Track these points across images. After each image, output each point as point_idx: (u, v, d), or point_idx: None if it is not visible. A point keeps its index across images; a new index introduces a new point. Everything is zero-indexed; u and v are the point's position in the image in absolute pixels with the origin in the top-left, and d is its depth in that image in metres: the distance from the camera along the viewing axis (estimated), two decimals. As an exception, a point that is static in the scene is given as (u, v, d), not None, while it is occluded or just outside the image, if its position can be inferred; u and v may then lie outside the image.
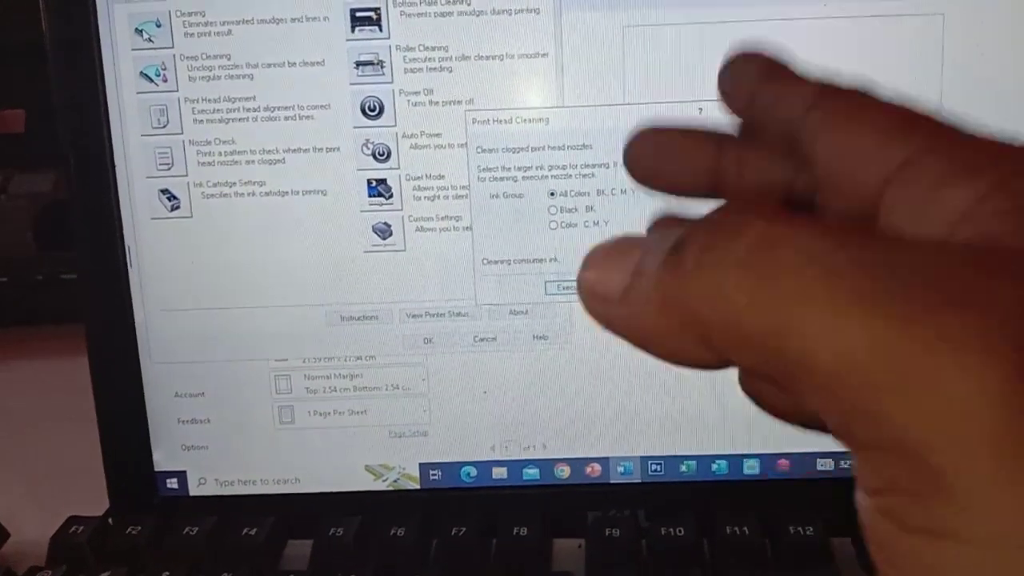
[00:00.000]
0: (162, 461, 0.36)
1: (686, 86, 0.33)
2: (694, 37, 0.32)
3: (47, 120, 0.76)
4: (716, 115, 0.17)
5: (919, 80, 0.32)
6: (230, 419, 0.36)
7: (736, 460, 0.35)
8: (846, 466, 0.35)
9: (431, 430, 0.36)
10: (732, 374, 0.33)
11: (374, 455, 0.36)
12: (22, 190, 0.69)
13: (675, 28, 0.32)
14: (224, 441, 0.36)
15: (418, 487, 0.36)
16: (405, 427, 0.36)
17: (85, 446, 0.42)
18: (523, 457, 0.36)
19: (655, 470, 0.36)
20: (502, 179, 0.34)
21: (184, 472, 0.36)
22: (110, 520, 0.36)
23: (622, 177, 0.32)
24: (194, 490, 0.36)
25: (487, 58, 0.33)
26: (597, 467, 0.36)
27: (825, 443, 0.35)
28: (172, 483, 0.36)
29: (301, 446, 0.36)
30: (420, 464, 0.36)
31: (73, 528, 0.35)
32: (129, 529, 0.34)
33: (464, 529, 0.33)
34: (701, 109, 0.33)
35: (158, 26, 0.33)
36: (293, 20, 0.33)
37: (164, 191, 0.34)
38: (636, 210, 0.33)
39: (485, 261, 0.34)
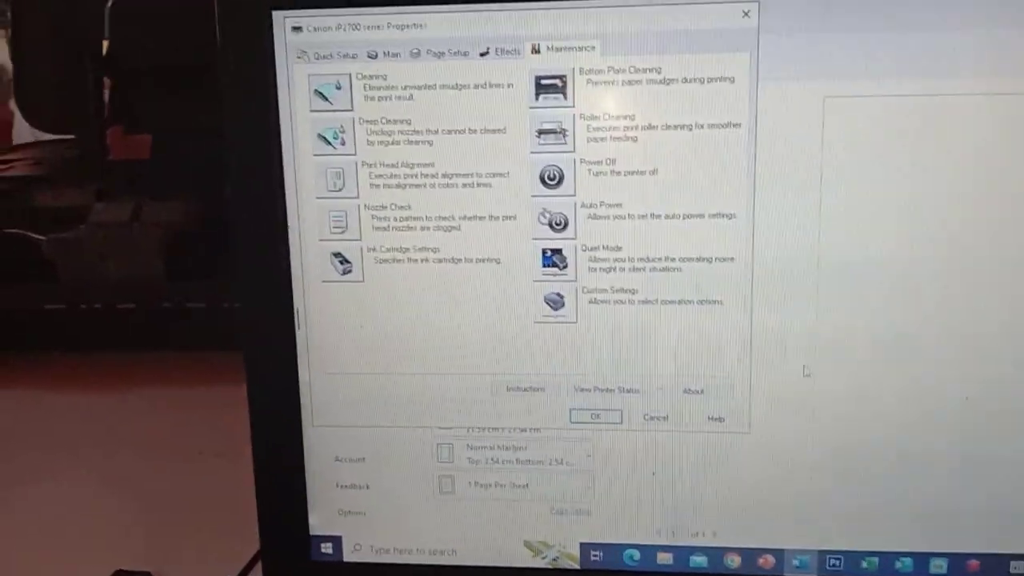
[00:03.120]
0: (318, 525, 0.36)
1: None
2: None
3: (174, 147, 0.78)
4: None
5: None
6: (389, 486, 0.35)
7: (922, 558, 0.33)
8: (1045, 571, 0.33)
9: (595, 509, 0.34)
10: (923, 466, 0.31)
11: (534, 531, 0.35)
12: (152, 219, 0.71)
13: (877, 100, 0.30)
14: (382, 508, 0.35)
15: (578, 567, 0.35)
16: (568, 504, 0.34)
17: (221, 482, 0.42)
18: (691, 543, 0.34)
19: (834, 565, 0.33)
20: (680, 251, 0.32)
21: (340, 537, 0.36)
22: (265, 582, 0.36)
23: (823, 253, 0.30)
24: (348, 556, 0.36)
25: (674, 127, 0.31)
26: (771, 559, 0.34)
27: (1020, 544, 0.32)
28: (327, 548, 0.36)
29: (460, 517, 0.35)
30: (581, 543, 0.35)
31: (229, 590, 0.34)
32: (287, 595, 0.34)
33: (633, 619, 0.32)
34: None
35: (338, 88, 0.33)
36: (476, 87, 0.32)
37: (336, 254, 0.34)
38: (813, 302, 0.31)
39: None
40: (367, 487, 0.35)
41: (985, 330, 0.31)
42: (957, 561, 0.33)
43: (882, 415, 0.32)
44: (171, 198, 0.72)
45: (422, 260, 0.33)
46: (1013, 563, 0.33)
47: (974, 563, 0.33)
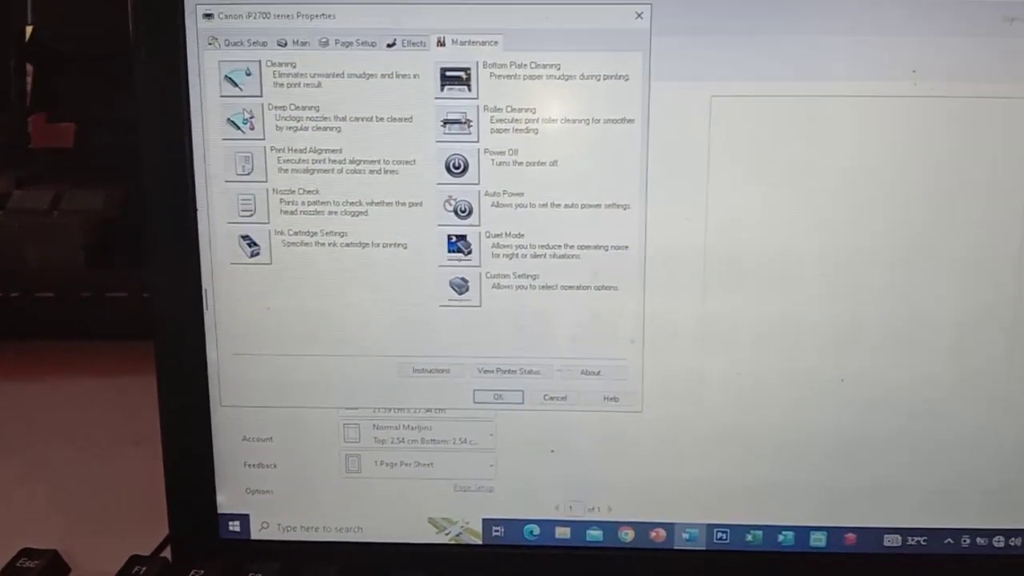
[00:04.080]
0: (226, 503, 0.36)
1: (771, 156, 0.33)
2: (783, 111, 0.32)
3: (97, 135, 0.77)
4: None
5: (1012, 166, 0.32)
6: (297, 465, 0.36)
7: (803, 532, 0.35)
8: (913, 542, 0.35)
9: (496, 486, 0.36)
10: (804, 445, 0.33)
11: (438, 508, 0.36)
12: (73, 206, 0.70)
13: (760, 100, 0.32)
14: (289, 487, 0.36)
15: (480, 542, 0.36)
16: (471, 481, 0.36)
17: (137, 470, 0.42)
18: (587, 518, 0.36)
19: (720, 538, 0.35)
20: (580, 239, 0.34)
21: (247, 516, 0.36)
22: (172, 561, 0.36)
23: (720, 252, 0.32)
24: (256, 534, 0.37)
25: (572, 121, 0.33)
26: (662, 532, 0.35)
27: (893, 519, 0.35)
28: (234, 526, 0.37)
29: (366, 496, 0.36)
30: (484, 519, 0.36)
31: (136, 569, 0.35)
32: (192, 573, 0.35)
33: (529, 590, 0.33)
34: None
35: (248, 75, 0.33)
36: (383, 76, 0.33)
37: (245, 237, 0.34)
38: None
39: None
40: (274, 466, 0.36)
41: (858, 317, 0.33)
42: (835, 534, 0.35)
43: (766, 397, 0.34)
44: (93, 187, 0.71)
45: (330, 244, 0.34)
46: (887, 536, 0.35)
47: (851, 536, 0.35)
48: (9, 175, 0.73)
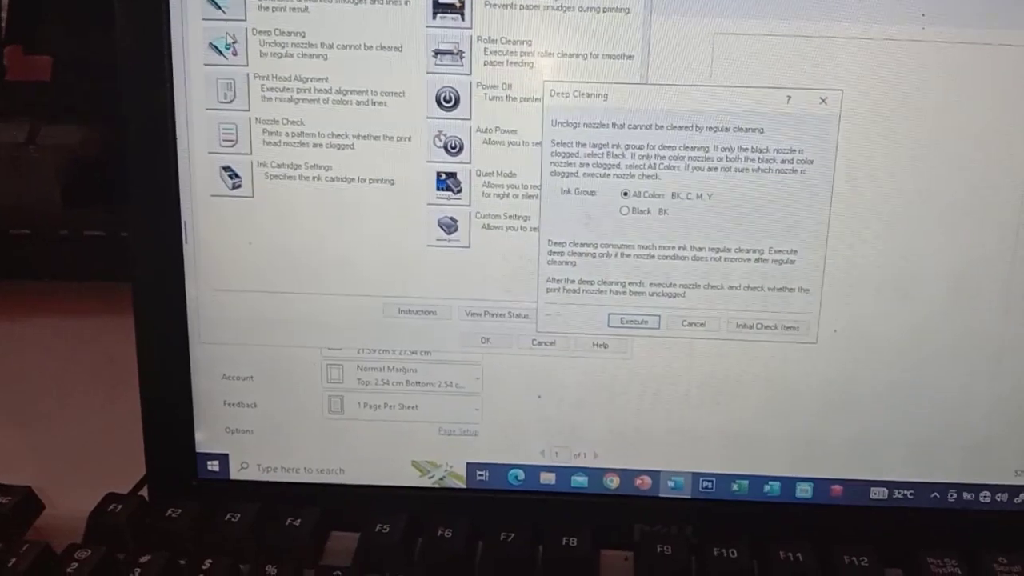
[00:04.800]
0: (204, 442, 0.36)
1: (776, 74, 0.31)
2: (785, 46, 0.31)
3: (75, 70, 0.74)
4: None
5: (1016, 110, 0.31)
6: (278, 405, 0.35)
7: (789, 483, 0.35)
8: (899, 495, 0.35)
9: (481, 430, 0.35)
10: (790, 396, 0.33)
11: (422, 451, 0.35)
12: (49, 142, 0.68)
13: (765, 38, 0.31)
14: (270, 427, 0.35)
15: (464, 486, 0.35)
16: (455, 425, 0.35)
17: (114, 411, 0.41)
18: (573, 464, 0.35)
19: (706, 487, 0.35)
20: (572, 175, 0.33)
21: (226, 455, 0.36)
22: (150, 499, 0.35)
23: (698, 180, 0.31)
24: (235, 474, 0.36)
25: (570, 56, 0.32)
26: (647, 480, 0.35)
27: (880, 471, 0.34)
28: (213, 465, 0.36)
29: (348, 437, 0.35)
30: (468, 463, 0.35)
31: (112, 506, 0.34)
32: (169, 511, 0.34)
33: (512, 535, 0.33)
34: (789, 97, 0.31)
35: (232, -3, 0.32)
36: (373, 1, 0.31)
37: (226, 168, 0.33)
38: (707, 221, 0.32)
39: (551, 262, 0.33)
40: (255, 405, 0.35)
41: (853, 270, 0.33)
42: (821, 486, 0.35)
43: (753, 349, 0.34)
44: (70, 122, 0.69)
45: (314, 178, 0.33)
46: (873, 489, 0.35)
47: (837, 488, 0.35)
48: (-18, 108, 0.71)
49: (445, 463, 0.35)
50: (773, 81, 0.31)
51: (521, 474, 0.35)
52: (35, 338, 0.56)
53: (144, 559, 0.31)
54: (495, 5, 0.31)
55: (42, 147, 0.68)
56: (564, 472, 0.35)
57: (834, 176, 0.32)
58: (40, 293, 0.62)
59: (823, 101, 0.31)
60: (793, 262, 0.33)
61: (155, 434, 0.35)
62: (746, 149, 0.32)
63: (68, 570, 0.31)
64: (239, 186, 0.33)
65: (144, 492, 0.36)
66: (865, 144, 0.32)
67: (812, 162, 0.32)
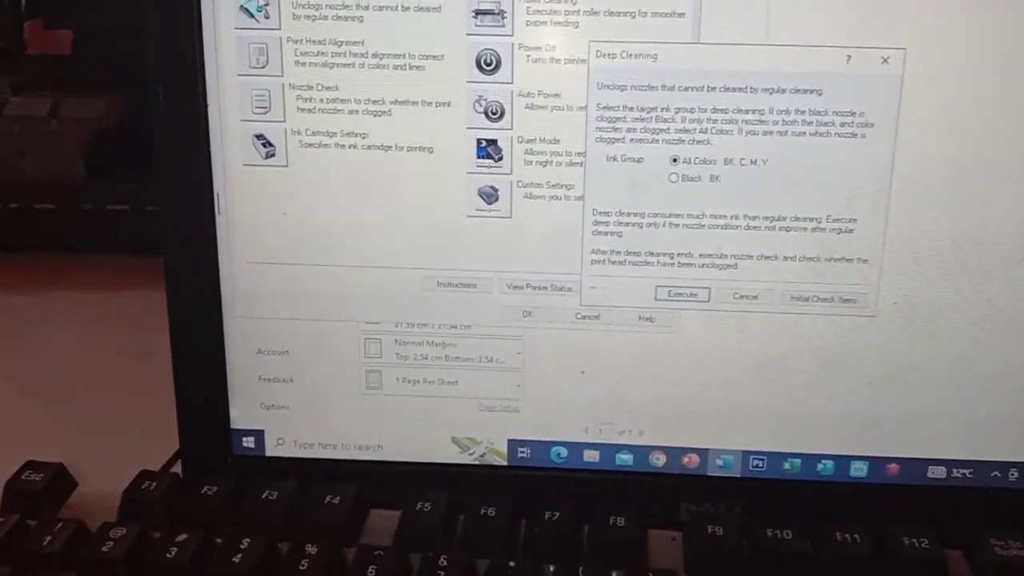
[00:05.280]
0: (239, 419, 0.35)
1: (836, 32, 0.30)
2: (845, 3, 0.30)
3: (95, 43, 0.73)
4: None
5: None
6: (314, 380, 0.34)
7: (843, 461, 0.34)
8: (958, 475, 0.33)
9: (523, 406, 0.34)
10: (846, 372, 0.31)
11: (462, 428, 0.34)
12: (71, 116, 0.67)
13: (826, -6, 0.29)
14: (306, 402, 0.34)
15: (505, 463, 0.34)
16: (496, 401, 0.34)
17: (144, 386, 0.41)
18: (617, 441, 0.34)
19: (756, 465, 0.34)
20: (619, 141, 0.31)
21: (262, 431, 0.35)
22: (184, 476, 0.35)
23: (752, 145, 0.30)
24: (271, 451, 0.35)
25: (618, 14, 0.30)
26: (695, 458, 0.34)
27: (937, 449, 0.33)
28: (248, 442, 0.35)
29: (386, 413, 0.34)
30: (509, 440, 0.34)
31: (146, 484, 0.33)
32: (205, 489, 0.33)
33: (557, 514, 0.32)
34: (849, 56, 0.30)
35: (263, -43, 0.30)
36: (411, -41, 0.30)
37: (259, 136, 0.32)
38: (761, 188, 0.31)
39: (595, 232, 0.32)
40: (291, 380, 0.34)
41: (915, 240, 0.31)
42: (877, 464, 0.34)
43: (808, 322, 0.32)
44: (93, 95, 0.68)
45: (350, 146, 0.32)
46: (931, 467, 0.34)
47: (893, 467, 0.34)
48: (4, 82, 0.70)
49: (486, 440, 0.34)
50: (832, 40, 0.30)
51: (564, 451, 0.34)
52: (61, 312, 0.55)
53: (180, 538, 0.31)
54: (539, -39, 0.30)
55: (64, 120, 0.67)
56: (608, 450, 0.34)
57: (896, 141, 0.30)
58: (65, 267, 0.61)
59: (885, 61, 0.30)
60: (852, 231, 0.31)
61: (189, 411, 0.35)
62: (803, 112, 0.30)
63: (103, 549, 0.30)
64: (273, 155, 0.32)
65: (178, 468, 0.36)
66: (929, 107, 0.30)
67: (873, 125, 0.30)
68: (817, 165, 0.31)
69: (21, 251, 0.64)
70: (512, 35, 0.30)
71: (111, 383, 0.45)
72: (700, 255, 0.32)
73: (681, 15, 0.30)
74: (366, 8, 0.30)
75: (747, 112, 0.31)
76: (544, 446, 0.34)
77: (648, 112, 0.31)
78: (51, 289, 0.59)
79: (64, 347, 0.49)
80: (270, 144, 0.32)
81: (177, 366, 0.34)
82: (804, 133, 0.31)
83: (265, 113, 0.32)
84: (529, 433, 0.34)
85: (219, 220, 0.33)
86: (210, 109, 0.32)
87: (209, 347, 0.34)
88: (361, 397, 0.34)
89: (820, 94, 0.30)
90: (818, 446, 0.33)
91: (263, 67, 0.31)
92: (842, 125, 0.30)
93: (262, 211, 0.32)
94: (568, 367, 0.33)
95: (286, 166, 0.32)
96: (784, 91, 0.30)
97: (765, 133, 0.31)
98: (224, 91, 0.32)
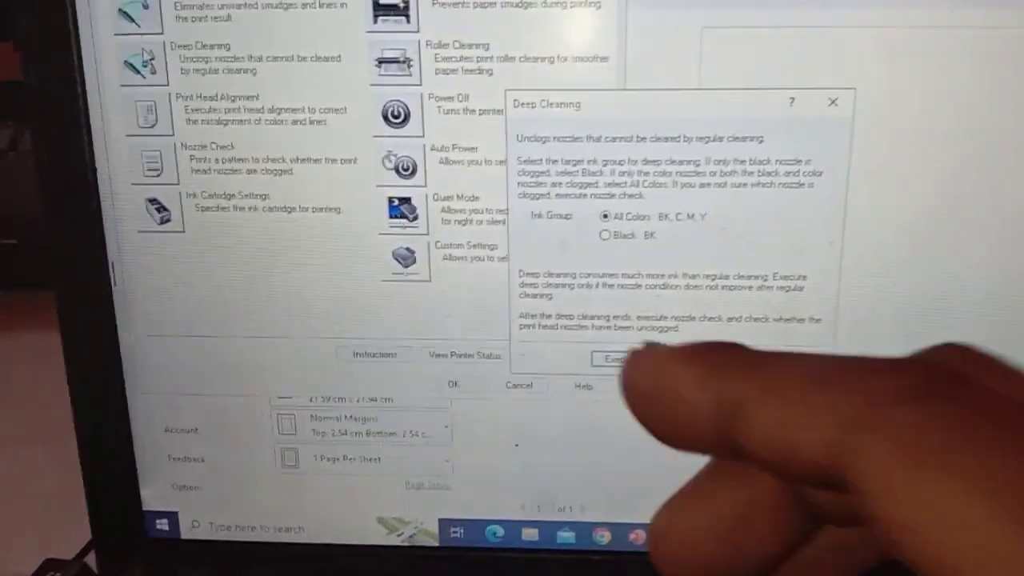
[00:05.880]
0: (151, 500, 0.32)
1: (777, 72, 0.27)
2: (787, 40, 0.26)
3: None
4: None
5: (1066, 105, 0.26)
6: (227, 459, 0.32)
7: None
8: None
9: (454, 483, 0.31)
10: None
11: (388, 507, 0.32)
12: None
13: (762, 31, 0.26)
14: (220, 482, 0.32)
15: (437, 544, 0.32)
16: (424, 478, 0.31)
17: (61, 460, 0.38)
18: (558, 519, 0.31)
19: (709, 542, 0.31)
20: (544, 197, 0.28)
21: (176, 513, 0.32)
22: (97, 559, 0.32)
23: (688, 198, 0.27)
24: (186, 533, 0.33)
25: (535, 60, 0.27)
26: (643, 534, 0.31)
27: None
28: (162, 524, 0.33)
29: (306, 493, 0.32)
30: (440, 520, 0.32)
31: (50, 574, 0.31)
32: (113, 580, 0.31)
33: (488, 604, 0.29)
34: (793, 99, 0.27)
35: (145, 7, 0.28)
36: (304, 6, 0.27)
37: (152, 200, 0.29)
38: (700, 244, 0.28)
39: (523, 295, 0.29)
40: (202, 460, 0.32)
41: (873, 297, 0.28)
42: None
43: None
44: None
45: (250, 208, 0.29)
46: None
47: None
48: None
49: (415, 519, 0.32)
50: (773, 81, 0.27)
51: (500, 530, 0.32)
52: (28, 353, 0.53)
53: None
54: (444, 4, 0.27)
55: (25, 152, 0.65)
56: (548, 527, 0.31)
57: (847, 189, 0.27)
58: (29, 304, 0.59)
59: (833, 103, 0.27)
60: (802, 288, 0.28)
61: (98, 493, 0.32)
62: (743, 161, 0.27)
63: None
64: (168, 220, 0.29)
65: (92, 556, 0.33)
66: (883, 152, 0.27)
67: (821, 174, 0.27)
68: (761, 218, 0.28)
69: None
70: (420, 84, 0.28)
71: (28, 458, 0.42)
72: (638, 317, 0.29)
73: (604, 59, 0.27)
74: (259, 59, 0.28)
75: (681, 163, 0.28)
76: (478, 525, 0.32)
77: (574, 165, 0.28)
78: (14, 328, 0.57)
79: (33, 390, 0.47)
80: (164, 208, 0.29)
81: (83, 447, 0.32)
82: (745, 184, 0.28)
83: (157, 175, 0.29)
84: (462, 512, 0.31)
85: (116, 291, 0.30)
86: (99, 173, 0.29)
87: (114, 426, 0.31)
88: (278, 476, 0.32)
89: (761, 141, 0.27)
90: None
91: (152, 126, 0.29)
92: (787, 174, 0.27)
93: (160, 281, 0.30)
94: (500, 440, 0.31)
95: (183, 231, 0.29)
96: (721, 139, 0.27)
97: (702, 185, 0.28)
98: (113, 153, 0.29)
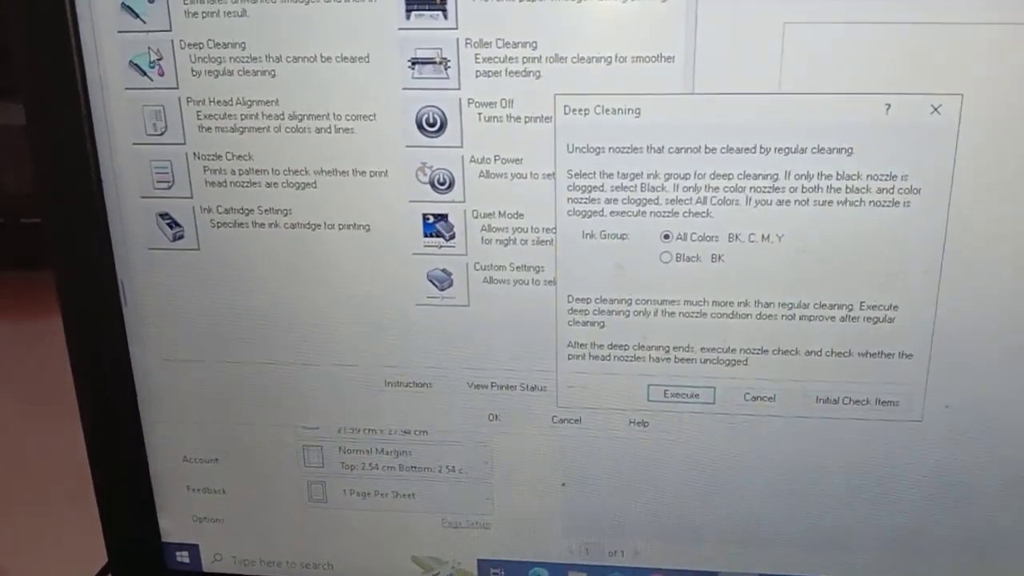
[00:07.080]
0: (171, 531, 0.30)
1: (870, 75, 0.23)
2: (882, 38, 0.23)
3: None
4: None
5: None
6: (250, 491, 0.29)
7: (882, 586, 0.28)
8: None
9: (494, 523, 0.29)
10: (887, 488, 0.25)
11: (423, 546, 0.29)
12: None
13: (854, 27, 0.23)
14: (243, 515, 0.30)
15: (475, 586, 0.29)
16: (462, 517, 0.29)
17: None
18: (608, 563, 0.29)
19: (775, 592, 0.28)
20: (597, 215, 0.25)
21: (196, 546, 0.30)
22: (110, 596, 0.30)
23: (763, 218, 0.24)
24: (208, 566, 0.30)
25: (588, 60, 0.24)
26: (701, 582, 0.28)
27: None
28: (183, 556, 0.30)
29: (335, 528, 0.29)
30: (479, 560, 0.29)
31: (65, 610, 0.29)
32: (129, 619, 0.29)
33: (531, 661, 0.27)
34: (889, 105, 0.23)
35: (151, 1, 0.25)
36: (328, 0, 0.24)
37: (163, 215, 0.27)
38: (776, 269, 0.25)
39: (572, 322, 0.26)
40: (223, 492, 0.29)
41: (972, 330, 0.25)
42: (922, 585, 0.28)
43: (838, 429, 0.26)
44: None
45: (270, 225, 0.26)
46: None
47: (942, 586, 0.28)
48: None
49: (452, 559, 0.29)
50: (866, 85, 0.23)
51: (544, 573, 0.29)
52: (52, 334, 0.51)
53: None
54: (486, -3, 0.23)
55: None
56: (598, 572, 0.29)
57: (949, 209, 0.24)
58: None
59: (935, 110, 0.23)
60: (892, 320, 0.25)
61: (115, 522, 0.30)
62: (829, 176, 0.24)
63: None
64: (181, 236, 0.27)
65: (113, 578, 0.31)
66: (991, 167, 0.23)
67: (919, 191, 0.24)
68: (847, 240, 0.24)
69: (10, 268, 0.61)
70: (459, 88, 0.24)
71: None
72: (701, 349, 0.26)
73: (670, 59, 0.23)
74: (278, 59, 0.25)
75: (756, 177, 0.24)
76: (521, 567, 0.29)
77: (631, 179, 0.25)
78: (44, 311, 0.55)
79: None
80: (177, 224, 0.27)
81: (97, 474, 0.30)
82: (831, 202, 0.24)
83: (168, 188, 0.26)
84: (503, 552, 0.29)
85: (126, 312, 0.28)
86: (105, 185, 0.26)
87: (129, 454, 0.29)
88: (305, 510, 0.29)
89: (850, 153, 0.24)
90: (852, 572, 0.28)
91: (161, 133, 0.26)
92: (879, 191, 0.24)
93: (174, 302, 0.27)
94: (546, 478, 0.28)
95: (197, 249, 0.27)
96: (804, 151, 0.24)
97: (780, 203, 0.24)
98: (119, 163, 0.26)
